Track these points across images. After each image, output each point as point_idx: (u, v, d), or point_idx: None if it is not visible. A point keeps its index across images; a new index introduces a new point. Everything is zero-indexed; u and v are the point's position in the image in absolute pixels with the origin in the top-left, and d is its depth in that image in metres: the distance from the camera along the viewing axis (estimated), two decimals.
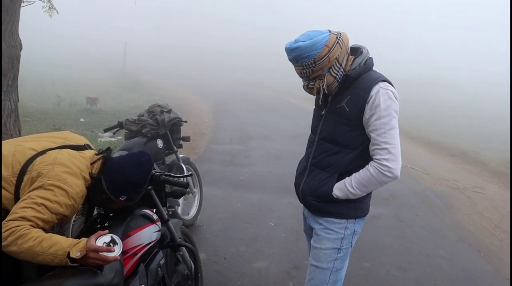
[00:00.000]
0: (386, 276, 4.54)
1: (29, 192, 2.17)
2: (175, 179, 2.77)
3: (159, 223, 2.77)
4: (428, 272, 4.70)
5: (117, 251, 2.15)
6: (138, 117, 4.80)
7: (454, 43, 53.35)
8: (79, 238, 2.14)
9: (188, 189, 5.16)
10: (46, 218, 2.14)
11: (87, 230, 2.54)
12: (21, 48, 4.27)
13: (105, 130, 4.90)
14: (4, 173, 2.25)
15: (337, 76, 2.42)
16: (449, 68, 44.05)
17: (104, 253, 2.09)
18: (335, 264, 2.65)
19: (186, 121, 5.20)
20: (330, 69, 2.39)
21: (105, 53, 36.23)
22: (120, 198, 2.45)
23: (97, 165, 2.46)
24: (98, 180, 2.43)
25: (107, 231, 2.20)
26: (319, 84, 2.43)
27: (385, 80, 2.42)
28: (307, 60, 2.35)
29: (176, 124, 4.94)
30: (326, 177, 2.56)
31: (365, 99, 2.37)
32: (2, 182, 2.23)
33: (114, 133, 4.98)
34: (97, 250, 2.08)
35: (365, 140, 2.46)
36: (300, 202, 2.82)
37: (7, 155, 2.31)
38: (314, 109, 2.78)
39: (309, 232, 2.90)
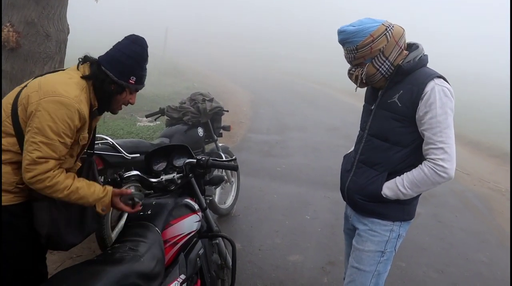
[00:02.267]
0: (422, 277, 4.45)
1: (29, 127, 2.14)
2: (224, 162, 2.74)
3: (200, 213, 2.78)
4: (466, 276, 4.59)
5: (137, 198, 2.40)
6: (180, 105, 4.82)
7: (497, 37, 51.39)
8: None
9: (226, 177, 5.18)
10: (63, 141, 2.17)
11: (129, 218, 2.57)
12: (68, 33, 4.31)
13: (147, 116, 4.93)
14: None
15: (381, 69, 2.34)
16: (490, 63, 42.89)
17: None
18: (377, 267, 2.55)
19: (227, 111, 5.21)
20: (373, 60, 2.32)
21: (145, 37, 36.56)
22: (130, 81, 2.41)
23: (85, 68, 2.39)
24: (100, 71, 2.36)
25: (130, 190, 2.39)
26: (359, 72, 2.39)
27: (441, 76, 2.31)
28: (350, 46, 2.32)
29: (217, 113, 4.95)
30: (374, 175, 2.45)
31: (419, 95, 2.26)
32: (2, 127, 2.20)
33: (155, 119, 5.01)
34: (120, 194, 2.35)
35: (417, 138, 2.35)
36: (345, 200, 2.73)
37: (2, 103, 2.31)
38: (364, 105, 2.68)
39: (349, 232, 2.81)
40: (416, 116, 2.29)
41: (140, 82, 2.48)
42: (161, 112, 4.87)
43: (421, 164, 2.34)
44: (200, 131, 4.76)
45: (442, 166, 2.23)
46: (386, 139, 2.41)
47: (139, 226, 2.36)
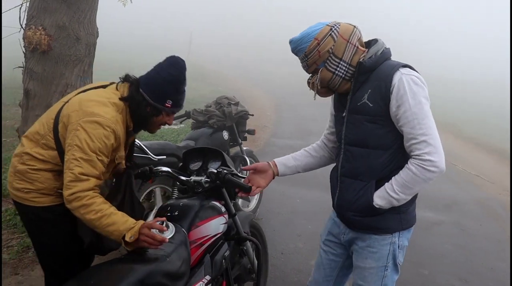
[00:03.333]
0: (445, 285, 4.42)
1: (68, 141, 2.22)
2: (239, 181, 2.73)
3: (226, 215, 2.80)
4: None
5: (167, 234, 2.23)
6: (206, 108, 4.87)
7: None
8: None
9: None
10: (101, 158, 2.23)
11: (156, 217, 2.60)
12: (97, 36, 4.40)
13: (173, 119, 5.00)
14: (41, 131, 2.35)
15: (337, 71, 2.19)
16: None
17: (155, 231, 2.15)
18: (383, 282, 2.36)
19: (252, 115, 5.25)
20: (326, 64, 2.19)
21: (169, 40, 36.77)
22: (166, 104, 2.44)
23: (124, 89, 2.45)
24: (137, 94, 2.42)
25: (164, 218, 2.29)
26: (314, 79, 2.26)
27: (406, 65, 2.15)
28: (300, 54, 2.23)
29: (242, 117, 4.99)
30: (362, 186, 2.25)
31: (388, 89, 2.09)
32: (43, 140, 2.33)
33: (181, 122, 5.08)
34: (150, 227, 2.16)
35: (397, 137, 2.16)
36: (338, 217, 2.50)
37: (43, 116, 2.43)
38: (334, 115, 2.51)
39: (329, 244, 2.59)
40: (390, 113, 2.12)
41: (176, 105, 2.52)
42: (187, 115, 4.93)
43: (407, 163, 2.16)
44: (225, 134, 4.81)
45: (429, 160, 2.05)
46: (365, 145, 2.23)
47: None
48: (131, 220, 2.21)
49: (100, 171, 2.23)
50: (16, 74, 5.43)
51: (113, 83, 2.54)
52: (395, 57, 2.26)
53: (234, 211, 2.89)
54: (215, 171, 2.68)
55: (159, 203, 4.01)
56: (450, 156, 10.90)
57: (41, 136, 2.34)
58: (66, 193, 2.15)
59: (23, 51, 4.13)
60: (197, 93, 15.36)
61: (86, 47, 4.21)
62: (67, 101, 2.38)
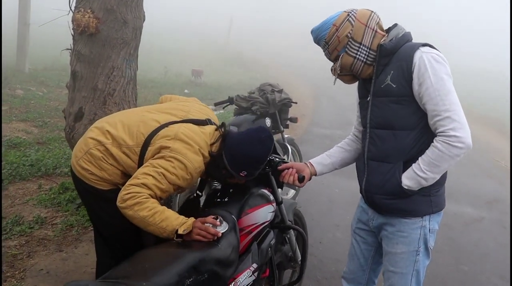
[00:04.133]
0: (485, 283, 4.33)
1: (151, 160, 2.30)
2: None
3: (274, 204, 2.79)
4: None
5: (221, 228, 2.22)
6: (249, 95, 4.86)
7: None
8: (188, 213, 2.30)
9: None
10: (164, 187, 2.26)
11: (206, 202, 2.64)
12: (144, 20, 4.42)
13: (216, 104, 5.01)
14: (129, 142, 2.39)
15: (358, 56, 2.21)
16: None
17: (209, 225, 2.18)
18: (415, 267, 2.32)
19: (296, 103, 5.21)
20: (346, 49, 2.22)
21: (210, 26, 36.88)
22: (241, 173, 2.47)
23: (217, 144, 2.50)
24: (220, 159, 2.47)
25: (217, 215, 2.29)
26: (335, 65, 2.30)
27: (426, 44, 2.14)
28: (321, 42, 2.28)
29: (285, 104, 4.96)
30: (389, 168, 2.23)
31: (409, 68, 2.09)
32: (126, 150, 2.39)
33: (223, 108, 5.07)
34: (203, 222, 2.20)
35: (423, 117, 2.14)
36: (366, 202, 2.49)
37: (132, 125, 2.45)
38: (359, 102, 2.50)
39: (361, 232, 2.60)
40: (413, 92, 2.10)
41: (250, 176, 2.53)
42: (230, 101, 4.92)
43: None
44: (268, 121, 4.79)
45: (455, 136, 2.00)
46: (391, 127, 2.21)
47: (216, 212, 2.39)
48: (183, 217, 2.25)
49: (156, 194, 2.26)
50: (61, 56, 5.54)
51: (211, 124, 2.59)
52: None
53: (280, 199, 2.87)
54: (267, 159, 2.68)
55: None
56: (492, 152, 10.67)
57: (127, 146, 2.39)
58: (122, 193, 2.20)
59: (72, 34, 4.18)
60: (236, 79, 15.42)
61: (133, 30, 4.23)
62: (164, 126, 2.43)
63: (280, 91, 4.89)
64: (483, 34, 46.56)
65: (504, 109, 18.40)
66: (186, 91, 11.91)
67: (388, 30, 2.28)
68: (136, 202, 2.17)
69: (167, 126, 2.42)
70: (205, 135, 2.47)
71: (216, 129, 2.56)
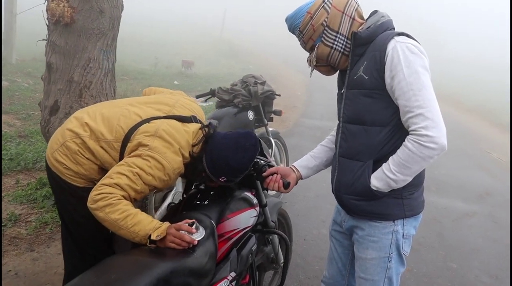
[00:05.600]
0: (474, 281, 4.23)
1: (127, 158, 2.18)
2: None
3: (257, 208, 2.66)
4: None
5: (197, 236, 2.07)
6: (231, 87, 4.73)
7: None
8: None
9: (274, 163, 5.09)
10: (139, 188, 2.13)
11: (185, 205, 2.49)
12: (122, 9, 4.28)
13: (197, 97, 4.86)
14: (108, 136, 2.26)
15: (335, 45, 2.07)
16: None
17: (184, 232, 2.04)
18: (387, 274, 2.16)
19: (279, 95, 5.08)
20: (322, 38, 2.08)
21: (203, 17, 36.67)
22: (220, 179, 2.37)
23: (199, 146, 2.37)
24: (200, 162, 2.37)
25: (194, 220, 2.14)
26: (311, 56, 2.16)
27: (403, 33, 1.97)
28: (296, 31, 2.14)
29: (269, 97, 4.83)
30: (359, 166, 2.07)
31: (382, 59, 1.92)
32: (104, 144, 2.26)
33: (205, 100, 4.94)
34: (178, 228, 2.06)
35: (396, 112, 1.96)
36: (338, 202, 2.34)
37: (112, 118, 2.32)
38: (337, 93, 2.33)
39: (337, 235, 2.46)
40: (386, 85, 1.94)
41: (229, 182, 2.43)
42: (212, 93, 4.78)
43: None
44: (250, 115, 4.66)
45: (427, 135, 1.82)
46: (362, 121, 2.05)
47: (194, 216, 2.24)
48: (157, 221, 2.12)
49: (131, 193, 2.13)
50: (37, 47, 5.38)
51: (195, 122, 2.44)
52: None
53: (265, 202, 2.74)
54: (249, 168, 2.54)
55: (178, 183, 3.90)
56: (484, 144, 10.59)
57: (105, 141, 2.26)
58: (93, 193, 2.07)
59: (46, 24, 4.04)
60: (227, 70, 15.29)
61: (110, 20, 4.08)
62: (145, 121, 2.30)
63: (263, 83, 4.75)
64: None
65: (498, 100, 18.33)
66: (175, 82, 11.77)
67: (368, 18, 2.13)
68: (108, 204, 2.03)
69: (148, 122, 2.29)
70: (188, 135, 2.33)
71: (200, 128, 2.41)
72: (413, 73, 1.86)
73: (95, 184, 2.18)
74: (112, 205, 2.04)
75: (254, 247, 2.62)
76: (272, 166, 2.54)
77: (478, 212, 6.03)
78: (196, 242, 2.04)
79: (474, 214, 5.89)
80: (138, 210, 2.11)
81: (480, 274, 4.37)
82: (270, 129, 5.04)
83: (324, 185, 6.03)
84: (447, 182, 7.10)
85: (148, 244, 2.05)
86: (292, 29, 2.18)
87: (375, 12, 2.12)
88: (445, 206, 6.05)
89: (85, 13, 3.94)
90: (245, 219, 2.51)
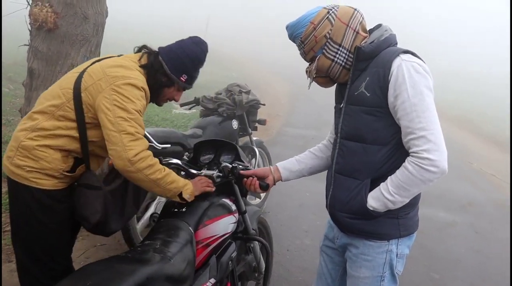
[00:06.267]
0: None
1: (106, 106, 2.21)
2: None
3: (236, 214, 2.66)
4: None
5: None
6: (216, 96, 4.71)
7: None
8: None
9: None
10: (140, 121, 2.27)
11: (162, 212, 2.51)
12: (106, 15, 4.24)
13: (181, 105, 4.83)
14: (57, 102, 2.27)
15: (337, 59, 2.01)
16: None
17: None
18: None
19: (264, 105, 5.07)
20: (324, 50, 2.02)
21: (187, 21, 36.55)
22: (181, 78, 2.51)
23: (143, 57, 2.49)
24: (156, 61, 2.47)
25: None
26: (311, 67, 2.09)
27: (408, 51, 1.93)
28: (297, 40, 2.07)
29: (253, 106, 4.83)
30: (356, 185, 2.02)
31: (386, 77, 1.87)
32: (59, 112, 2.26)
33: (189, 109, 4.91)
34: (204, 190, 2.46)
35: (397, 132, 1.92)
36: (332, 219, 2.28)
37: (53, 89, 2.38)
38: (334, 106, 2.27)
39: (328, 250, 2.41)
40: (388, 104, 1.89)
41: (189, 83, 2.59)
42: (196, 102, 4.75)
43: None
44: (235, 124, 4.64)
45: (428, 158, 1.79)
46: (362, 139, 2.00)
47: (172, 224, 2.27)
48: (184, 179, 2.41)
49: (144, 130, 2.28)
50: (18, 51, 5.32)
51: (122, 55, 2.56)
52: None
53: (244, 208, 2.73)
54: (230, 166, 2.56)
55: None
56: (466, 154, 10.69)
57: (58, 107, 2.26)
58: (129, 154, 2.15)
59: (29, 29, 3.99)
60: (210, 77, 15.18)
61: (94, 26, 4.05)
62: (84, 71, 2.33)
63: (248, 92, 4.74)
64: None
65: (476, 109, 18.53)
66: None
67: (372, 31, 2.09)
68: (148, 165, 2.20)
69: (86, 70, 2.33)
70: (128, 57, 2.50)
71: (134, 52, 2.59)
72: (418, 94, 1.82)
73: (62, 183, 2.27)
74: (151, 166, 2.22)
75: (234, 254, 2.61)
76: (249, 170, 2.54)
77: (460, 222, 6.05)
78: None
79: (457, 224, 5.91)
80: (170, 170, 2.35)
81: (462, 284, 4.37)
82: (254, 138, 5.03)
83: (308, 195, 6.02)
84: (429, 192, 7.11)
85: (178, 200, 2.37)
86: (292, 38, 2.11)
87: (379, 26, 2.08)
88: (429, 217, 6.05)
89: (68, 19, 3.91)
90: (224, 225, 2.51)
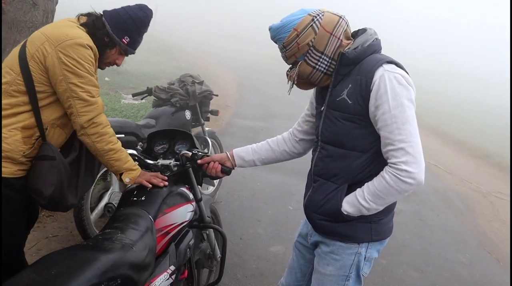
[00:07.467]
0: (402, 276, 4.42)
1: (60, 76, 2.21)
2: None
3: (194, 203, 2.70)
4: (446, 276, 4.58)
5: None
6: (168, 86, 4.69)
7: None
8: None
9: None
10: (95, 78, 2.32)
11: (121, 201, 2.51)
12: (56, 3, 4.16)
13: (134, 95, 4.78)
14: (8, 79, 2.23)
15: (318, 66, 2.00)
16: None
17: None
18: None
19: (217, 95, 5.09)
20: (306, 58, 2.00)
21: None
22: (123, 40, 2.50)
23: (83, 19, 2.47)
24: (98, 21, 2.45)
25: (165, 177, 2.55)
26: (292, 73, 2.09)
27: (392, 61, 1.92)
28: (279, 44, 2.04)
29: (206, 97, 4.83)
30: (333, 189, 2.06)
31: (368, 86, 1.88)
32: (12, 87, 2.22)
33: (142, 99, 4.87)
34: (149, 181, 2.48)
35: (377, 140, 1.95)
36: (307, 218, 2.33)
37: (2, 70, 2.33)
38: (315, 106, 2.30)
39: (301, 247, 2.46)
40: (369, 113, 1.91)
41: (132, 46, 2.57)
42: (149, 92, 4.71)
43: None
44: (188, 114, 4.64)
45: (406, 171, 1.82)
46: (341, 145, 2.02)
47: (132, 212, 2.28)
48: (132, 162, 2.49)
49: (99, 89, 2.31)
50: None
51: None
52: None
53: (200, 196, 2.79)
54: (190, 153, 2.59)
55: (115, 183, 3.83)
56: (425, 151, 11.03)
57: (9, 83, 2.21)
58: (82, 120, 2.24)
59: None
60: (158, 68, 15.04)
61: (43, 13, 3.95)
62: (25, 42, 2.30)
63: (201, 83, 4.75)
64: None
65: (419, 102, 19.07)
66: (106, 79, 11.44)
67: (356, 35, 2.07)
68: (96, 132, 2.29)
69: (27, 40, 2.32)
70: (67, 20, 2.44)
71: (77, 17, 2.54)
72: (399, 106, 1.84)
73: (21, 171, 2.25)
74: (99, 135, 2.30)
75: (192, 242, 2.65)
76: (208, 156, 2.59)
77: (405, 210, 6.29)
78: (166, 181, 2.51)
79: (401, 212, 6.12)
80: (120, 146, 2.43)
81: (407, 268, 4.58)
82: (207, 129, 5.04)
83: (259, 184, 6.12)
84: None
85: (118, 178, 2.47)
86: (275, 40, 2.07)
87: (364, 30, 2.06)
88: None
89: (16, 5, 3.80)
90: (182, 213, 2.55)
